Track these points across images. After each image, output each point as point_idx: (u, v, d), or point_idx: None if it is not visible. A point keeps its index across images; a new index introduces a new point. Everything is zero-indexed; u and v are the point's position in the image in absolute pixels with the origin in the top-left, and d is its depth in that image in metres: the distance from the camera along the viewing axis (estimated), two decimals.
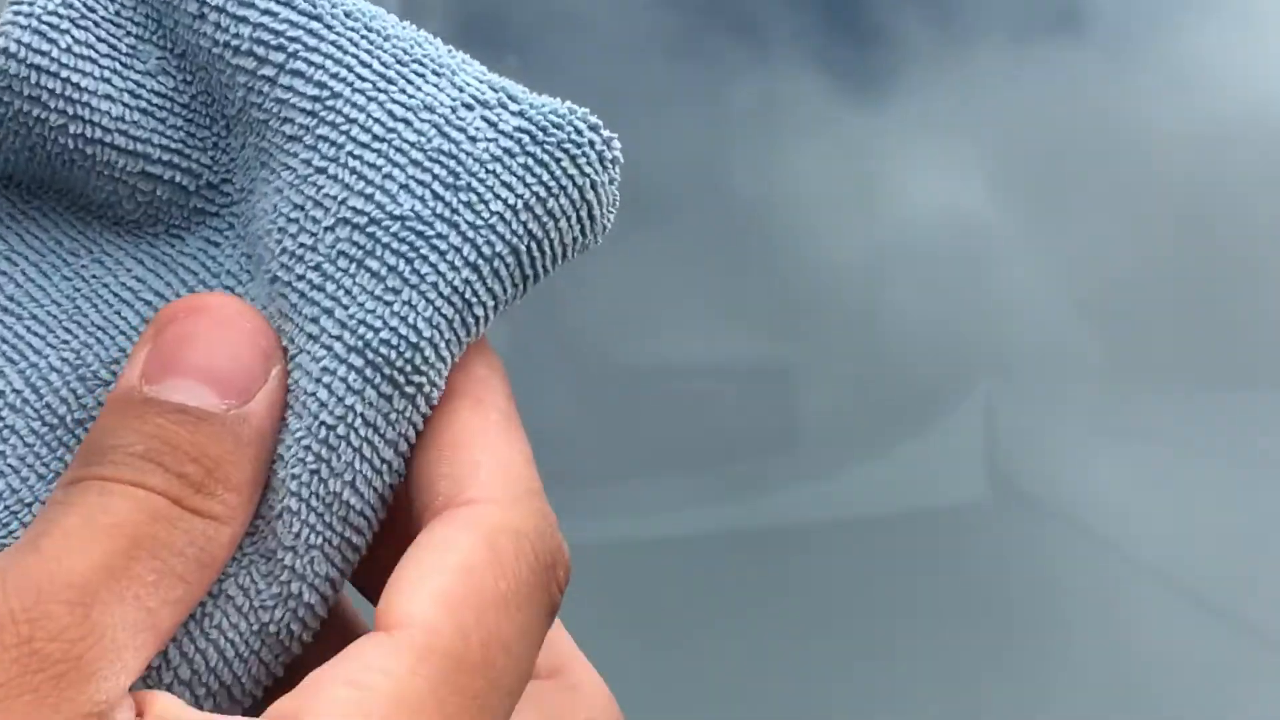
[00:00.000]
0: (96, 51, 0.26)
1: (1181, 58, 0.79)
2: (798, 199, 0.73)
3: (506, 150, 0.25)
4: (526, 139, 0.25)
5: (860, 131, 0.75)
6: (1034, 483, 0.71)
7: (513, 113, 0.25)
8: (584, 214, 0.25)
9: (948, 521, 0.71)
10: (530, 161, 0.25)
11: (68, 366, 0.26)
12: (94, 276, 0.27)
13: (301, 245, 0.24)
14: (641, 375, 0.72)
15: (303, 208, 0.25)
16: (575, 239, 0.25)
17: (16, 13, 0.26)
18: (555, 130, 0.25)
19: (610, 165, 0.26)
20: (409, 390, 0.24)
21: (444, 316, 0.24)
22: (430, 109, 0.25)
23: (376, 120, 0.25)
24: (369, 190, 0.24)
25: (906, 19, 0.75)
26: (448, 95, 0.25)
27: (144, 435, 0.22)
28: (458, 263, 0.24)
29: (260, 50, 0.25)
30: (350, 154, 0.25)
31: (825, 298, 0.73)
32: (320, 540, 0.24)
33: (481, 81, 0.26)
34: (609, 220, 0.26)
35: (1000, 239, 0.75)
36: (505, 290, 0.25)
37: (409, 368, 0.24)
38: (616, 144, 0.26)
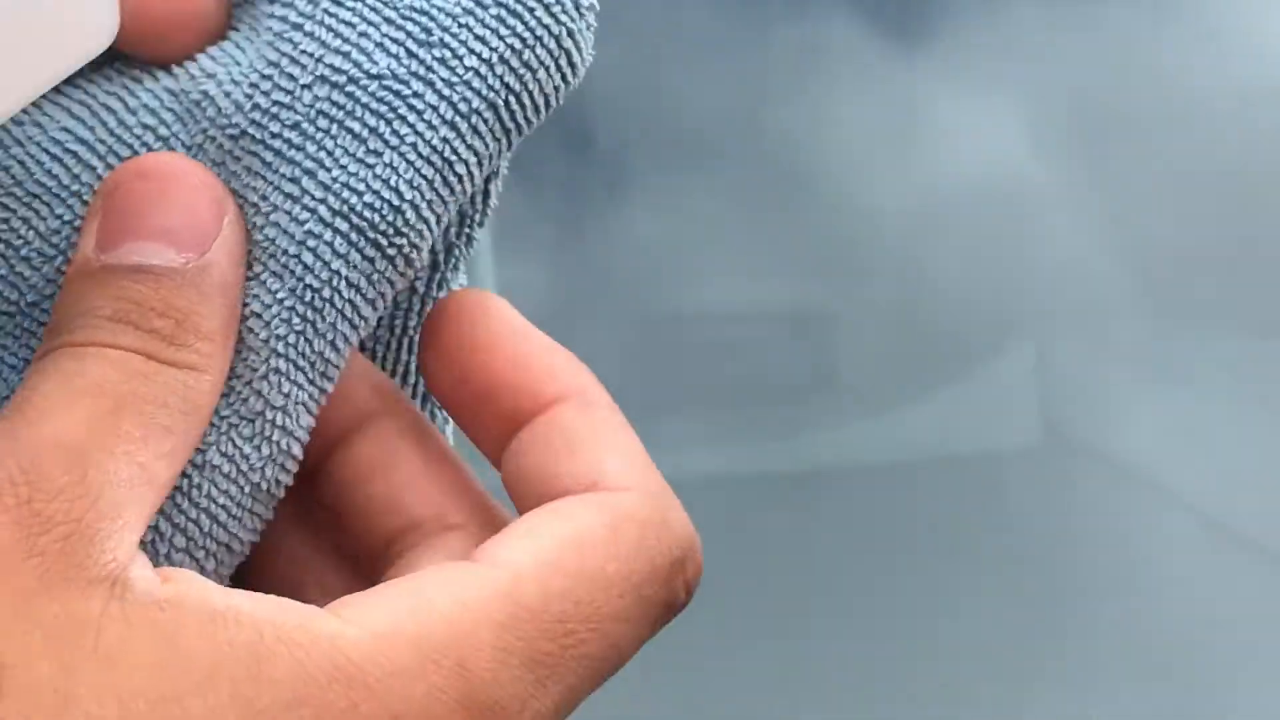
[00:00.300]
0: None
1: (1222, 13, 0.79)
2: (839, 145, 0.73)
3: (478, 2, 0.24)
4: None
5: (901, 79, 0.75)
6: (1083, 429, 0.71)
7: None
8: (562, 62, 0.25)
9: (990, 467, 0.70)
10: (503, 13, 0.24)
11: (11, 250, 0.25)
12: (23, 134, 0.26)
13: (276, 103, 0.24)
14: (684, 321, 0.72)
15: (277, 64, 0.24)
16: (556, 88, 0.25)
17: None
18: None
19: (586, 11, 0.25)
20: (390, 252, 0.24)
21: (424, 177, 0.24)
22: None
23: None
24: (345, 48, 0.24)
25: None
26: None
27: (109, 299, 0.22)
28: (435, 121, 0.24)
29: None
30: (326, 10, 0.24)
31: (868, 244, 0.73)
32: (305, 397, 0.24)
33: None
34: (587, 63, 0.26)
35: (1041, 188, 0.75)
36: (486, 146, 0.24)
37: (391, 230, 0.24)
38: None
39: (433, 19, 0.24)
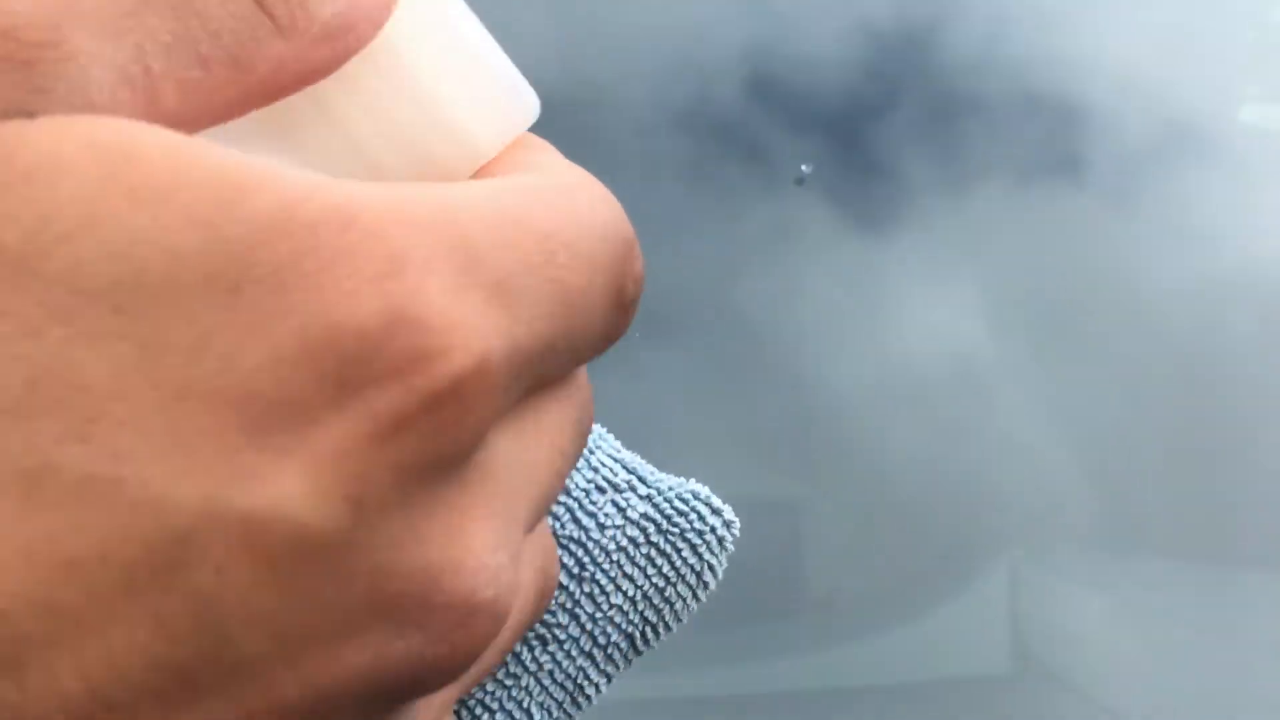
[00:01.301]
0: None
1: (1179, 208, 0.81)
2: (805, 326, 0.74)
3: (632, 540, 0.26)
4: (652, 528, 0.26)
5: (866, 262, 0.77)
6: (1050, 658, 0.71)
7: (641, 496, 0.26)
8: (699, 592, 0.26)
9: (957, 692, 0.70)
10: (653, 552, 0.26)
11: None
12: None
13: None
14: None
15: None
16: (689, 610, 0.27)
17: None
18: (679, 518, 0.26)
19: (728, 547, 0.27)
20: None
21: (554, 700, 0.25)
22: (567, 490, 0.26)
23: None
24: None
25: (914, 157, 0.78)
26: (583, 476, 0.26)
27: None
28: (574, 652, 0.25)
29: None
30: None
31: (830, 429, 0.74)
32: None
33: (615, 460, 0.27)
34: (718, 580, 0.27)
35: (999, 376, 0.76)
36: (618, 668, 0.26)
37: None
38: (736, 525, 0.27)
39: (588, 551, 0.26)
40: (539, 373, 0.17)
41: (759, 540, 0.73)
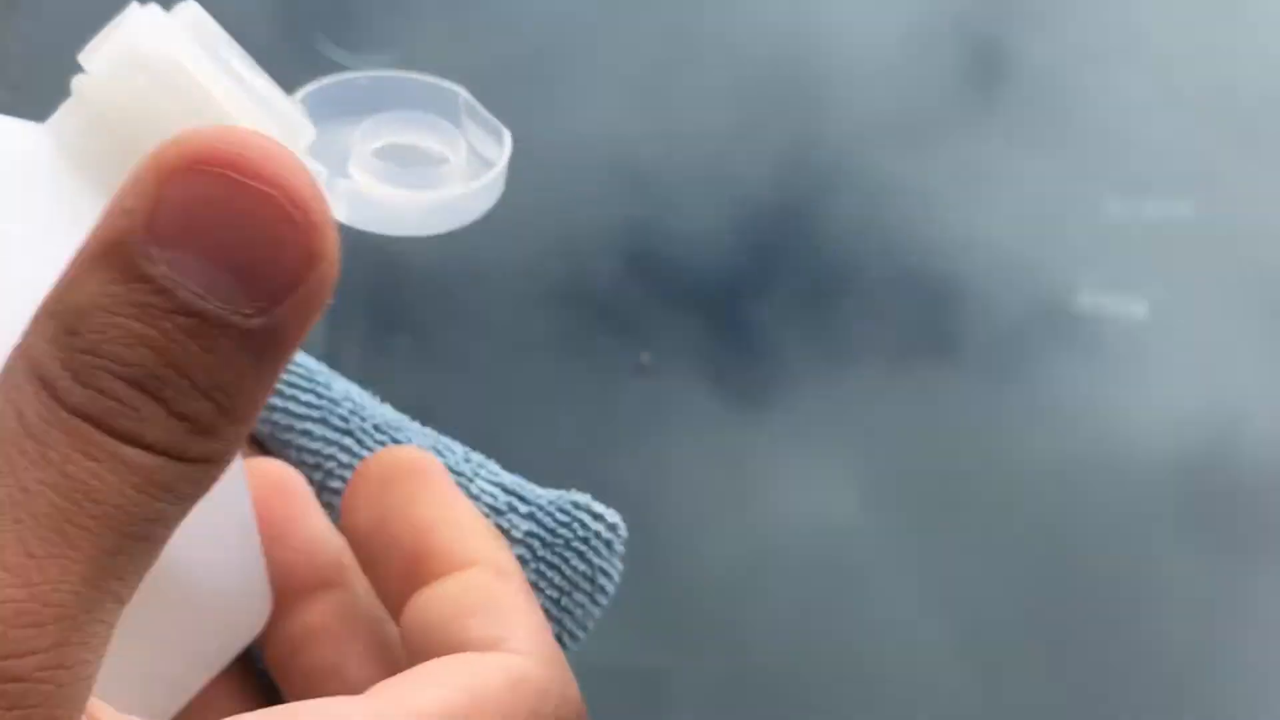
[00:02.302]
0: None
1: (1056, 389, 0.83)
2: (675, 502, 0.74)
3: (521, 559, 0.26)
4: (537, 543, 0.26)
5: (740, 440, 0.77)
6: None
7: (523, 515, 0.27)
8: (597, 597, 0.27)
9: None
10: (543, 566, 0.26)
11: None
12: None
13: None
14: None
15: None
16: (590, 618, 0.27)
17: None
18: (563, 529, 0.26)
19: (616, 549, 0.27)
20: None
21: None
22: None
23: None
24: None
25: (789, 335, 0.79)
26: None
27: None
28: None
29: (304, 470, 0.27)
30: None
31: (698, 603, 0.74)
32: None
33: (494, 485, 0.27)
34: (615, 583, 0.28)
35: (872, 553, 0.77)
36: None
37: None
38: (621, 526, 0.28)
39: None
40: None
41: (625, 711, 0.72)
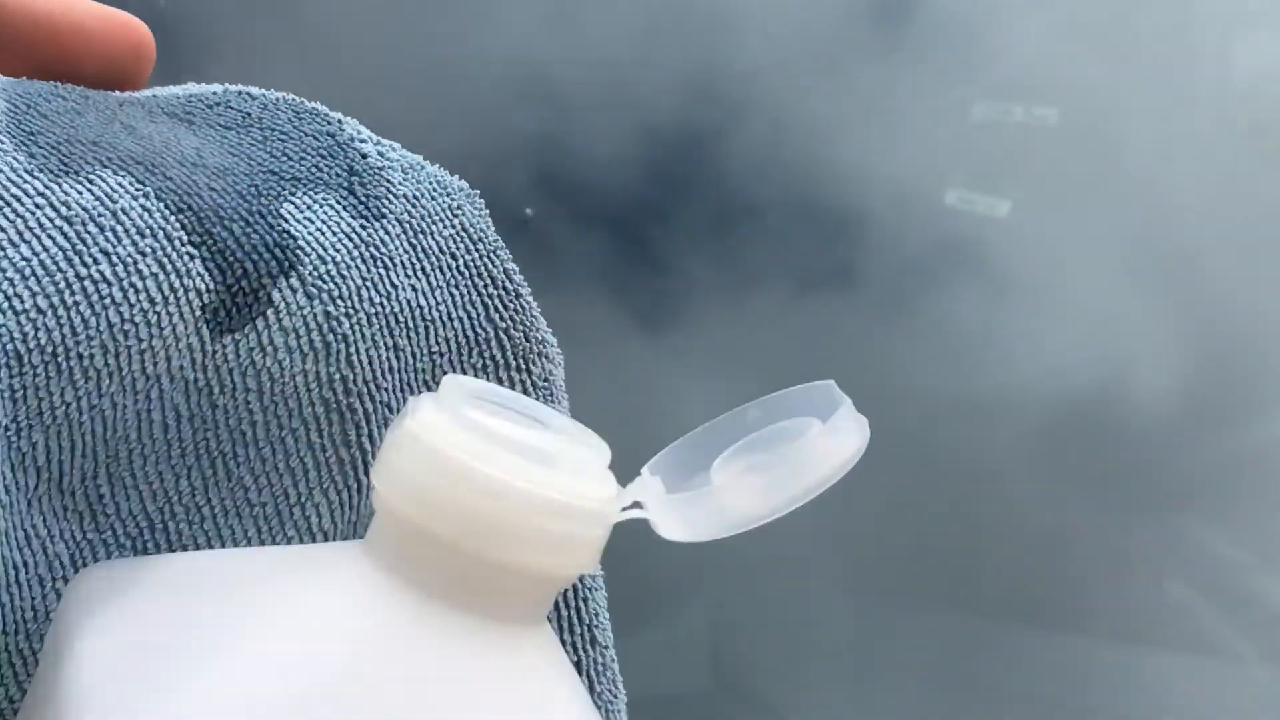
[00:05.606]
0: None
1: (947, 321, 0.85)
2: (581, 417, 0.75)
3: (438, 312, 0.28)
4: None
5: (644, 359, 0.78)
6: None
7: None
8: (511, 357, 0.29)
9: None
10: (446, 330, 0.28)
11: None
12: None
13: None
14: None
15: None
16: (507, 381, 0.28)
17: None
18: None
19: (528, 303, 0.29)
20: None
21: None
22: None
23: None
24: None
25: (693, 260, 0.80)
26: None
27: None
28: None
29: None
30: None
31: None
32: None
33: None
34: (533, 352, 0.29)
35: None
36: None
37: None
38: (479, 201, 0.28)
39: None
40: None
41: None
